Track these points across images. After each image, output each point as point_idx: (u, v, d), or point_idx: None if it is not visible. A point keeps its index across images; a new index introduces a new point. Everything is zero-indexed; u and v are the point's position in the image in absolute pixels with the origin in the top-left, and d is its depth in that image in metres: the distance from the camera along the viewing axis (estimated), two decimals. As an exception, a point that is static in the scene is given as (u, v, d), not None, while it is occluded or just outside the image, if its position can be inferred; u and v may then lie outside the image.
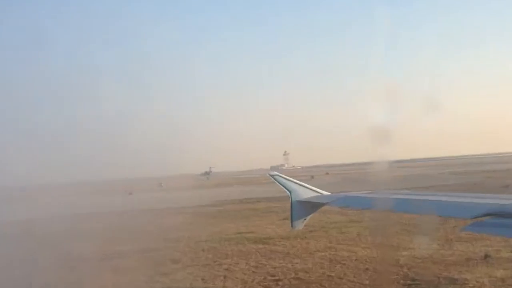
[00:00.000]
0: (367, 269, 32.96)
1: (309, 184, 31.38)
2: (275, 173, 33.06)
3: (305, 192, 31.44)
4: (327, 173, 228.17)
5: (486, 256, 33.38)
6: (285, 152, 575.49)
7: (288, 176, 32.12)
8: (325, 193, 31.33)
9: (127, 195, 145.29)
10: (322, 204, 30.74)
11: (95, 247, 45.28)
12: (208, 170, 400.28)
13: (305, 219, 32.53)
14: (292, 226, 33.32)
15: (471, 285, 27.70)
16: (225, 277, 33.40)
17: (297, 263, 35.76)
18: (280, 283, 31.10)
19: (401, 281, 29.20)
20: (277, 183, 33.08)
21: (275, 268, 34.67)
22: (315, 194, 30.87)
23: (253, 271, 34.41)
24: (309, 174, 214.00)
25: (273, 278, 32.44)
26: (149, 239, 49.40)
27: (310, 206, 31.65)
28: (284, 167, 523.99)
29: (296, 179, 31.62)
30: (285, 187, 32.38)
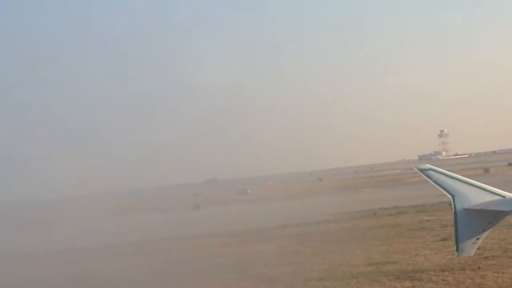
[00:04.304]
0: None
1: (483, 182, 30.17)
2: (428, 166, 31.86)
3: (478, 195, 30.08)
4: (511, 164, 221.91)
5: None
6: (441, 132, 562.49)
7: (448, 171, 31.14)
8: (509, 195, 30.07)
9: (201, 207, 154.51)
10: (506, 213, 29.58)
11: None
12: (212, 177, 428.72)
13: (477, 239, 31.19)
14: (457, 250, 32.08)
15: None
16: None
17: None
18: None
19: None
20: (431, 181, 31.82)
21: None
22: (493, 197, 29.70)
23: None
24: (483, 166, 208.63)
25: None
26: (231, 278, 49.96)
27: (486, 217, 30.34)
28: (440, 157, 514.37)
29: (462, 175, 30.61)
30: (444, 188, 31.11)
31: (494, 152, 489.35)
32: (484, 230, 29.78)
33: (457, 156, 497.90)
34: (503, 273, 41.54)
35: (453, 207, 29.46)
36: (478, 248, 30.44)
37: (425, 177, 30.36)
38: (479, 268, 43.10)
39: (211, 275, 51.94)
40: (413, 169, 32.08)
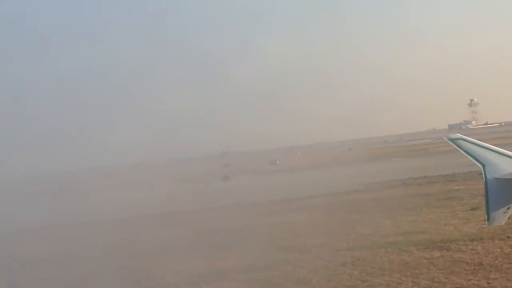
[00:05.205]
0: None
1: (514, 151, 29.77)
2: (458, 135, 31.51)
3: (508, 164, 29.68)
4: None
5: None
6: (471, 101, 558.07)
7: (479, 140, 30.82)
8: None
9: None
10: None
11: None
12: (225, 149, 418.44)
13: (508, 208, 30.85)
14: (488, 220, 31.81)
15: None
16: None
17: (495, 278, 34.64)
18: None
19: None
20: (461, 151, 31.52)
21: (462, 290, 33.75)
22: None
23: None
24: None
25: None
26: (260, 248, 49.99)
27: (518, 187, 30.21)
28: (470, 126, 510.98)
29: (492, 144, 30.25)
30: (474, 158, 30.82)
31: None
32: (515, 199, 29.55)
33: (487, 125, 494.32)
34: (533, 242, 41.33)
35: (483, 177, 29.18)
36: (509, 218, 30.17)
37: (455, 146, 30.08)
38: (508, 237, 42.85)
39: (240, 245, 51.98)
40: (443, 139, 31.80)
